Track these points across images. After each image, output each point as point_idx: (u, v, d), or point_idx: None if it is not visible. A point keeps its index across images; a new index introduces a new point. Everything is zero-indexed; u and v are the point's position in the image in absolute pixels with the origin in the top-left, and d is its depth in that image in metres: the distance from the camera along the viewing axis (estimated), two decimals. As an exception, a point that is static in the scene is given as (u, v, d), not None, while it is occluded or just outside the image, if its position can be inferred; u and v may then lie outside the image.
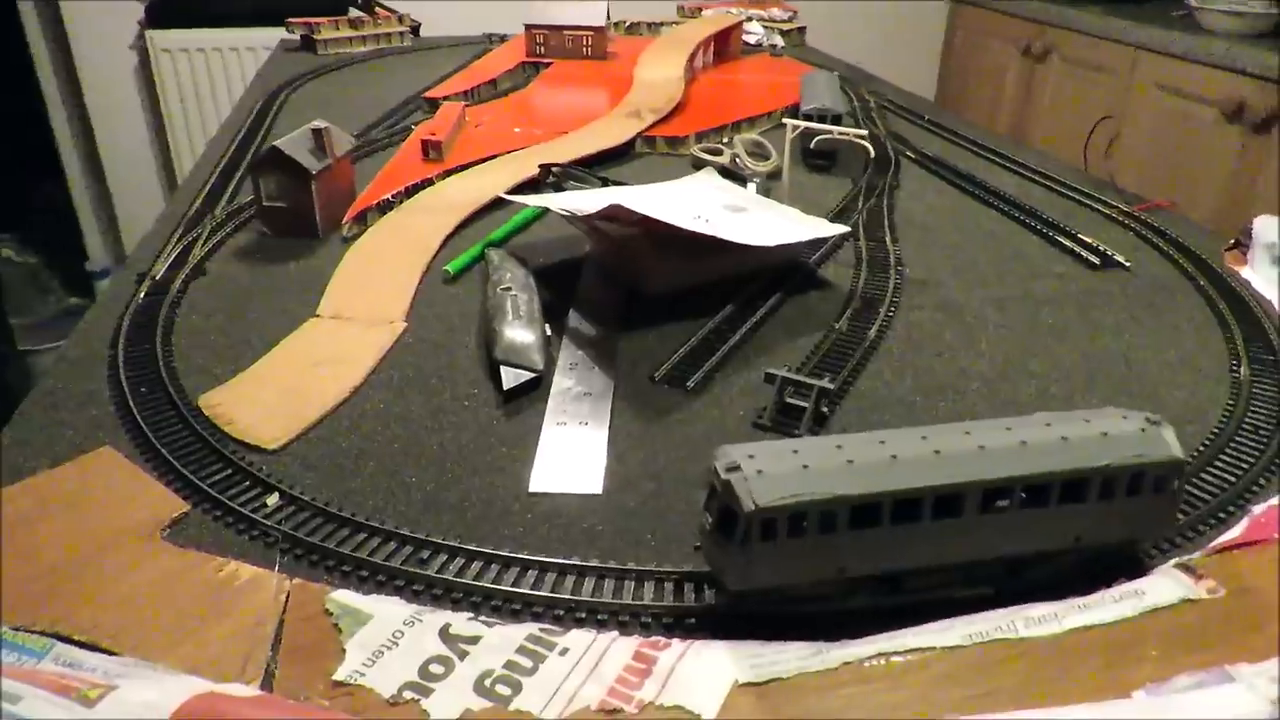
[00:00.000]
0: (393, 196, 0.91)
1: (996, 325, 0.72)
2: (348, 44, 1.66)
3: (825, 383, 0.57)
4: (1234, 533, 0.46)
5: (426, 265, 0.80)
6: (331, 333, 0.69)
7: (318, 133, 0.84)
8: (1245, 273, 0.79)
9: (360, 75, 1.54)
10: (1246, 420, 0.58)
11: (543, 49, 1.50)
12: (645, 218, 0.68)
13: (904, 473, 0.40)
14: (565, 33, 1.48)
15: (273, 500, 0.51)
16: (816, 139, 0.96)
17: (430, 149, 1.01)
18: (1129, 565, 0.46)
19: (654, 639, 0.41)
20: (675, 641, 0.40)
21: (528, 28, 1.50)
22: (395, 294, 0.74)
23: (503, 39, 1.72)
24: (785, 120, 0.91)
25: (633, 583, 0.45)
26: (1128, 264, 0.81)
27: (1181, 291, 0.77)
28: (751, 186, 0.96)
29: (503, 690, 0.38)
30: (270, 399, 0.60)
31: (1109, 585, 0.44)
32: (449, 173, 0.99)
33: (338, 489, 0.52)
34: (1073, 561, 0.45)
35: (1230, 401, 0.61)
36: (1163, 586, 0.42)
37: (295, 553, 0.47)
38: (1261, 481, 0.53)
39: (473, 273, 0.80)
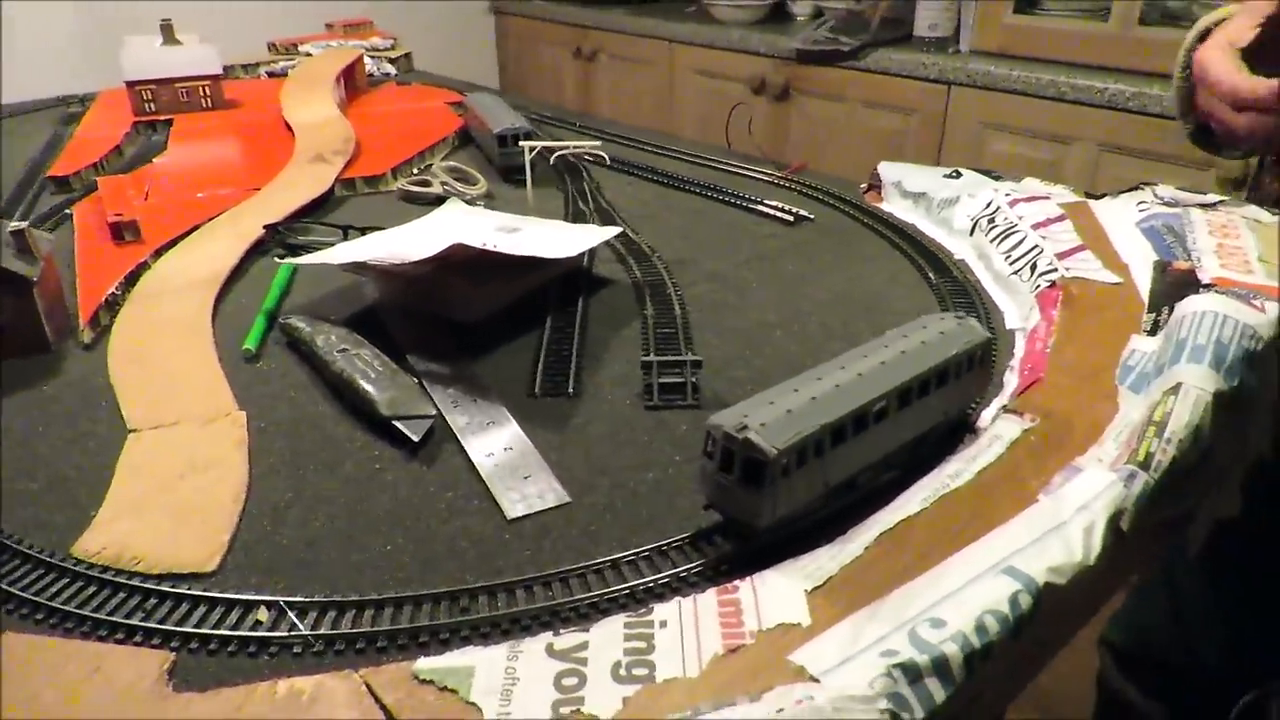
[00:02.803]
0: (117, 289, 0.81)
1: (755, 283, 0.87)
2: (-128, 129, 1.35)
3: (691, 357, 0.67)
4: (1013, 382, 0.65)
5: (214, 349, 0.74)
6: (167, 443, 0.62)
7: (19, 234, 0.73)
8: (885, 207, 1.04)
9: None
10: (958, 310, 0.79)
11: (154, 105, 1.36)
12: (474, 250, 0.71)
13: (851, 395, 0.52)
14: (178, 85, 1.36)
15: (264, 616, 0.47)
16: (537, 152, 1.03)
17: (125, 230, 0.90)
18: (964, 426, 0.62)
19: (722, 586, 0.48)
20: (738, 581, 0.48)
21: (130, 84, 1.35)
22: (207, 386, 0.68)
23: (82, 100, 1.51)
24: (523, 143, 0.97)
25: (654, 557, 0.51)
26: (812, 216, 1.01)
27: (855, 230, 0.99)
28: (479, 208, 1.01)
29: (640, 672, 0.43)
30: (161, 524, 0.54)
31: (963, 442, 0.60)
32: (159, 251, 0.89)
33: (319, 580, 0.50)
34: (936, 433, 0.60)
35: (939, 299, 0.82)
36: (1007, 428, 0.58)
37: (336, 649, 0.46)
38: (992, 348, 0.73)
39: (271, 345, 0.75)
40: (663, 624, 0.45)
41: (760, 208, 1.03)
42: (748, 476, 0.48)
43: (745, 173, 1.17)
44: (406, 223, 0.90)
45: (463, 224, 0.86)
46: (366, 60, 1.66)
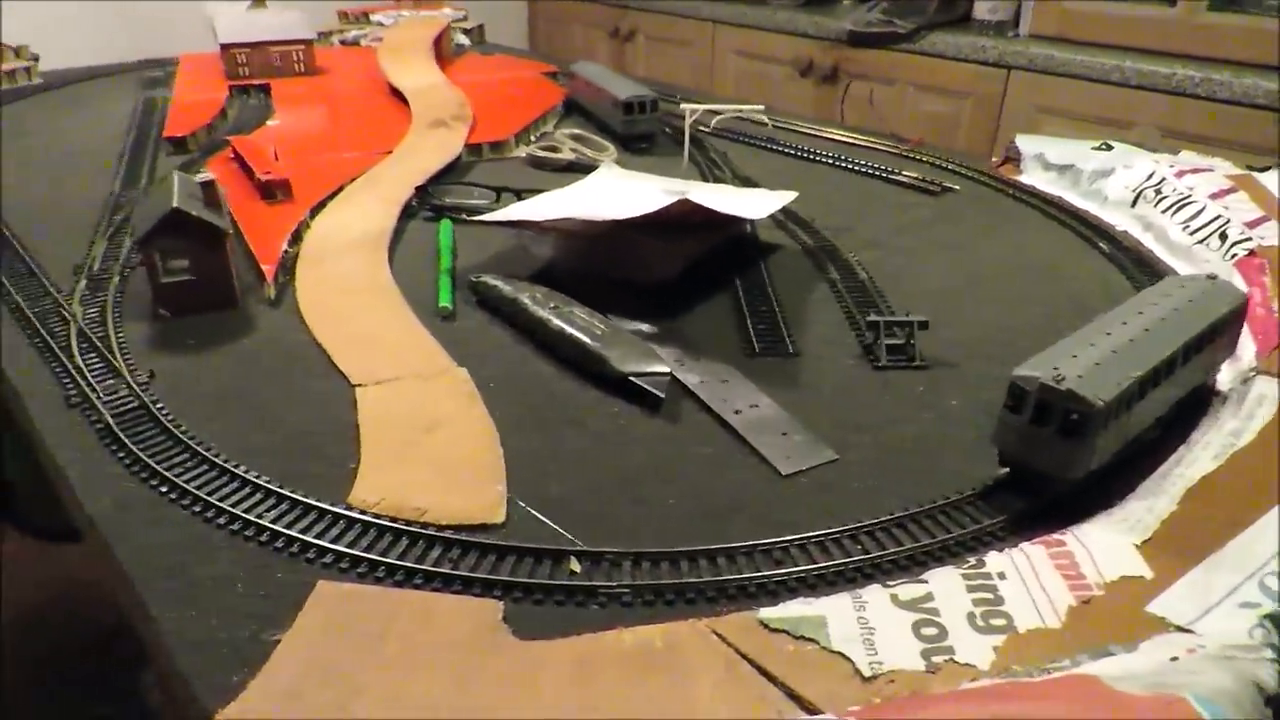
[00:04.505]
0: (289, 248, 0.79)
1: (921, 250, 0.86)
2: (-40, 89, 1.31)
3: (918, 318, 0.66)
4: (1249, 347, 0.64)
5: (408, 308, 0.72)
6: (399, 398, 0.60)
7: (209, 185, 0.70)
8: (1024, 179, 1.03)
9: (24, 123, 1.23)
10: (1137, 277, 0.79)
11: (247, 70, 1.33)
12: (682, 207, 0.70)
13: (1146, 348, 0.51)
14: (272, 49, 1.33)
15: (577, 565, 0.46)
16: (699, 120, 1.02)
17: (278, 190, 0.88)
18: (1203, 387, 0.61)
19: (1044, 539, 0.47)
20: (1060, 535, 0.47)
21: (225, 47, 1.32)
22: (417, 344, 0.67)
23: (162, 65, 1.48)
24: (683, 104, 0.96)
25: (950, 511, 0.50)
26: (956, 187, 1.00)
27: (1002, 201, 0.99)
28: (615, 175, 0.99)
29: (998, 622, 0.42)
30: (427, 475, 0.53)
31: (1209, 403, 0.59)
32: (315, 210, 0.87)
33: (611, 532, 0.49)
34: (1192, 394, 0.59)
35: (1119, 267, 0.81)
36: (1269, 388, 0.58)
37: (665, 599, 0.44)
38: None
39: (461, 304, 0.74)
40: (1001, 575, 0.44)
41: (900, 179, 1.02)
42: (1068, 428, 0.47)
43: (867, 145, 1.15)
44: (549, 186, 0.89)
45: (632, 187, 0.84)
46: (441, 31, 1.63)
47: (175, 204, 0.67)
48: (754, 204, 0.80)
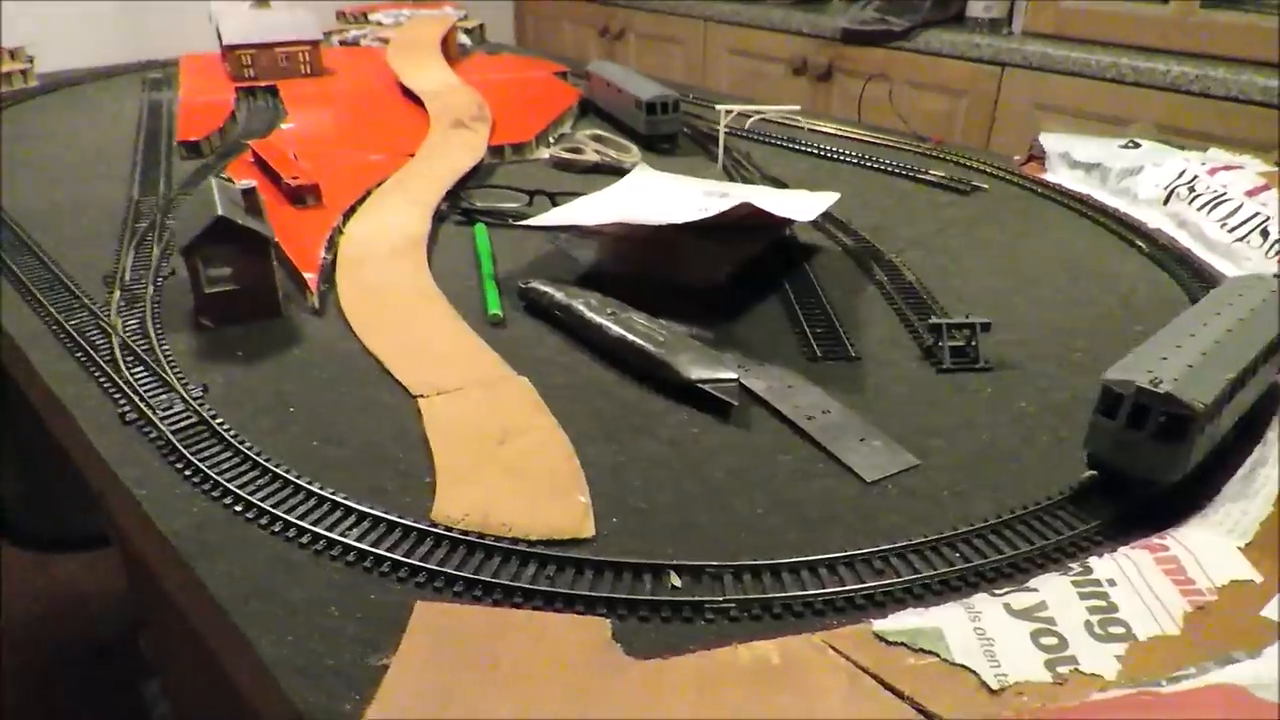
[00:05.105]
0: (326, 253, 0.77)
1: (963, 250, 0.85)
2: (-46, 93, 1.27)
3: (980, 320, 0.66)
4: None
5: (458, 315, 0.70)
6: (464, 408, 0.59)
7: (251, 193, 0.69)
8: (1049, 178, 1.03)
9: (27, 126, 1.20)
10: (1180, 275, 0.79)
11: (252, 71, 1.31)
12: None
13: (1235, 350, 0.51)
14: (278, 50, 1.31)
15: (677, 580, 0.45)
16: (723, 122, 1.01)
17: (307, 195, 0.86)
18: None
19: (1145, 542, 0.46)
20: (1161, 539, 0.46)
21: (228, 49, 1.29)
22: (472, 352, 0.65)
23: (163, 66, 1.45)
24: (718, 106, 0.95)
25: (1043, 516, 0.50)
26: (985, 186, 1.00)
27: (1033, 200, 0.99)
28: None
29: (1117, 630, 0.41)
30: (507, 488, 0.51)
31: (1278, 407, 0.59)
32: (346, 215, 0.86)
33: (704, 544, 0.48)
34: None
35: (1159, 265, 0.82)
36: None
37: (773, 613, 0.44)
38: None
39: (509, 310, 0.72)
40: (1110, 582, 0.44)
41: (928, 178, 1.02)
42: (1166, 432, 0.47)
43: (890, 145, 1.15)
44: (580, 188, 0.88)
45: (673, 189, 0.83)
46: (443, 30, 1.61)
47: (221, 212, 0.65)
48: (800, 205, 0.79)
